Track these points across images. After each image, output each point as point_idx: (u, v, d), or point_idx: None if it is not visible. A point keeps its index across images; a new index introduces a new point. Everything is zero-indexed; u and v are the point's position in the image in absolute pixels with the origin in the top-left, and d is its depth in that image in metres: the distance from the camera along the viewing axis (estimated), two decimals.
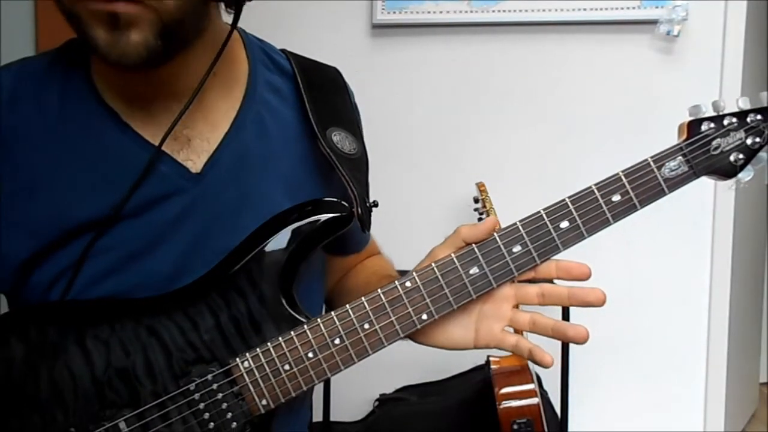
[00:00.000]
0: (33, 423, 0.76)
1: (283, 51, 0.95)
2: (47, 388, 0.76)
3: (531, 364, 1.83)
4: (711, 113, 0.83)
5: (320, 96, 0.91)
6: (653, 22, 2.14)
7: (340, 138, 0.88)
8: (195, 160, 0.83)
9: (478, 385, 1.96)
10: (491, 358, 1.83)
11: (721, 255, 2.21)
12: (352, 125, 0.93)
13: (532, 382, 1.77)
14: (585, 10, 2.16)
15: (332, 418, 2.15)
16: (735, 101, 0.84)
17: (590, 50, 2.21)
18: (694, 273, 2.22)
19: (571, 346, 2.09)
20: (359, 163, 0.90)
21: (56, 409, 0.76)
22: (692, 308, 2.23)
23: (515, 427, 1.70)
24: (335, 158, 0.86)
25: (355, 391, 2.24)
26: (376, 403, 2.21)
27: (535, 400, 1.73)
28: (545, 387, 2.07)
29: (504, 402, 1.73)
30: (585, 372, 2.19)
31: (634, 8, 2.15)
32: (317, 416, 2.14)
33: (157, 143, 0.80)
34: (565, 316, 2.08)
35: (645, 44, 2.18)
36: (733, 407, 2.38)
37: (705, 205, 2.20)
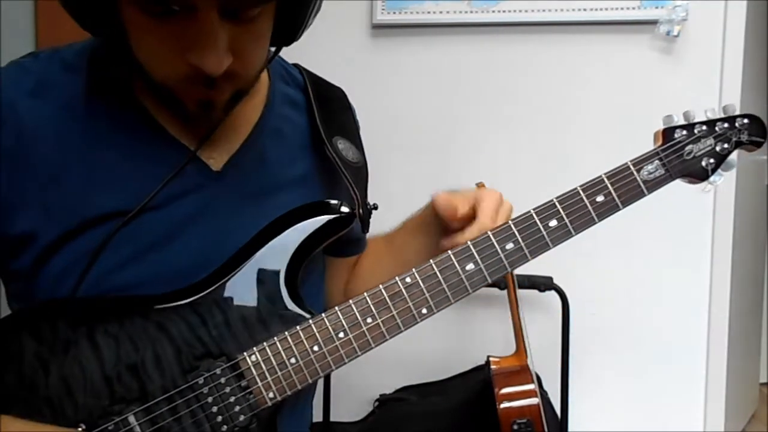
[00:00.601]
0: (43, 418, 0.77)
1: (296, 65, 1.01)
2: (57, 384, 0.77)
3: (531, 365, 1.83)
4: (683, 122, 0.91)
5: (328, 108, 0.96)
6: (653, 22, 2.14)
7: (344, 147, 0.94)
8: (216, 159, 0.87)
9: (479, 385, 1.97)
10: (491, 359, 1.83)
11: (721, 255, 2.21)
12: (356, 139, 0.99)
13: (532, 382, 1.77)
14: (585, 10, 2.16)
15: (332, 418, 2.15)
16: (704, 112, 0.91)
17: (590, 50, 2.21)
18: (694, 273, 2.22)
19: (571, 346, 2.09)
20: (360, 172, 0.95)
21: (66, 403, 0.77)
22: (692, 308, 2.23)
23: (515, 427, 1.70)
24: (340, 162, 0.91)
25: (355, 391, 2.24)
26: (376, 403, 2.21)
27: (535, 400, 1.73)
28: (545, 387, 2.07)
29: (504, 402, 1.73)
30: (585, 372, 2.19)
31: (634, 8, 2.15)
32: (317, 416, 2.14)
33: (183, 140, 0.85)
34: (566, 316, 2.08)
35: (645, 44, 2.18)
36: (733, 407, 2.38)
37: (705, 206, 2.20)
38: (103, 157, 0.82)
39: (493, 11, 2.20)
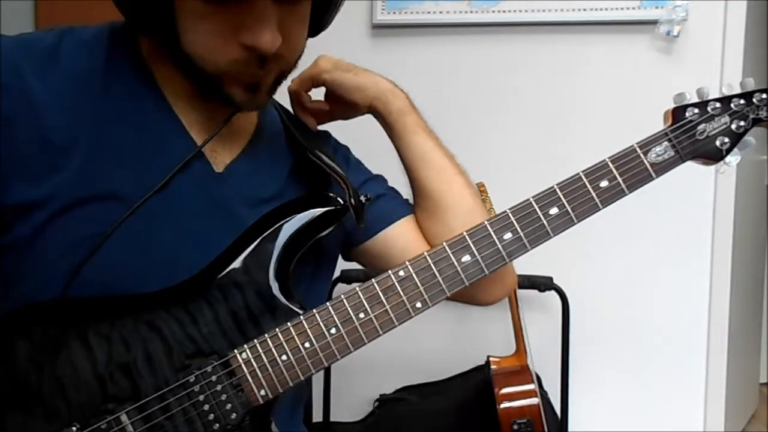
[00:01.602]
0: (36, 418, 0.76)
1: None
2: (51, 384, 0.77)
3: (531, 365, 1.83)
4: (696, 101, 0.86)
5: (303, 132, 0.98)
6: (653, 22, 2.14)
7: (328, 159, 0.94)
8: (220, 159, 0.88)
9: (479, 385, 1.97)
10: (491, 359, 1.83)
11: (721, 255, 2.20)
12: (342, 161, 0.99)
13: (532, 382, 1.77)
14: (585, 10, 2.16)
15: (332, 418, 2.15)
16: (718, 88, 0.86)
17: (590, 50, 2.21)
18: (694, 273, 2.22)
19: (571, 346, 2.09)
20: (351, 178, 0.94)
21: (59, 404, 0.77)
22: (692, 308, 2.22)
23: (515, 427, 1.70)
24: (326, 166, 0.91)
25: (355, 391, 2.24)
26: (376, 403, 2.21)
27: (535, 400, 1.73)
28: (545, 387, 2.07)
29: (504, 402, 1.73)
30: (585, 372, 2.19)
31: (634, 8, 2.15)
32: (317, 416, 2.14)
33: (194, 135, 0.86)
34: (566, 316, 2.08)
35: (645, 44, 2.18)
36: (733, 407, 2.38)
37: (705, 206, 2.20)
38: (113, 135, 0.81)
39: (493, 11, 2.20)
